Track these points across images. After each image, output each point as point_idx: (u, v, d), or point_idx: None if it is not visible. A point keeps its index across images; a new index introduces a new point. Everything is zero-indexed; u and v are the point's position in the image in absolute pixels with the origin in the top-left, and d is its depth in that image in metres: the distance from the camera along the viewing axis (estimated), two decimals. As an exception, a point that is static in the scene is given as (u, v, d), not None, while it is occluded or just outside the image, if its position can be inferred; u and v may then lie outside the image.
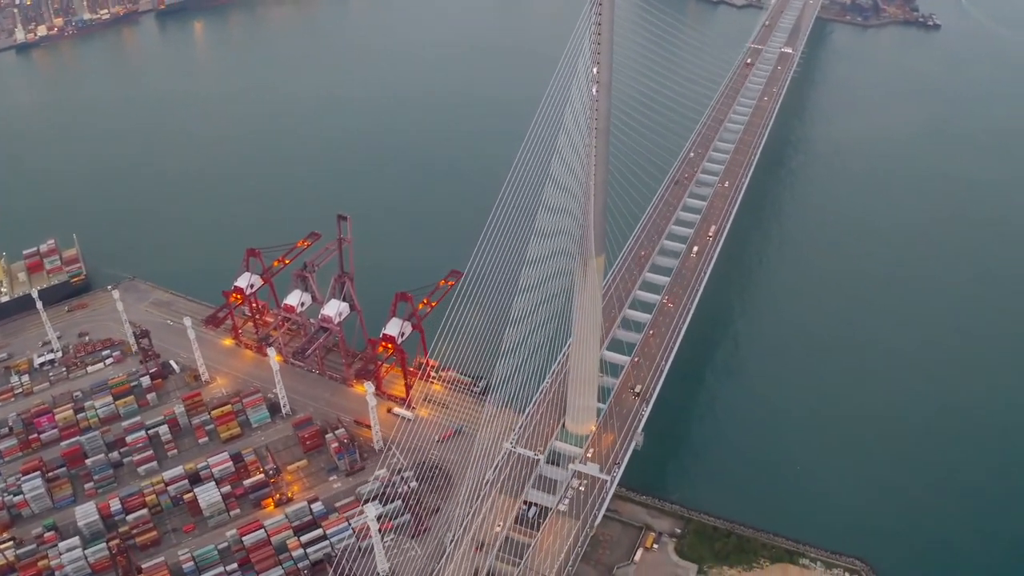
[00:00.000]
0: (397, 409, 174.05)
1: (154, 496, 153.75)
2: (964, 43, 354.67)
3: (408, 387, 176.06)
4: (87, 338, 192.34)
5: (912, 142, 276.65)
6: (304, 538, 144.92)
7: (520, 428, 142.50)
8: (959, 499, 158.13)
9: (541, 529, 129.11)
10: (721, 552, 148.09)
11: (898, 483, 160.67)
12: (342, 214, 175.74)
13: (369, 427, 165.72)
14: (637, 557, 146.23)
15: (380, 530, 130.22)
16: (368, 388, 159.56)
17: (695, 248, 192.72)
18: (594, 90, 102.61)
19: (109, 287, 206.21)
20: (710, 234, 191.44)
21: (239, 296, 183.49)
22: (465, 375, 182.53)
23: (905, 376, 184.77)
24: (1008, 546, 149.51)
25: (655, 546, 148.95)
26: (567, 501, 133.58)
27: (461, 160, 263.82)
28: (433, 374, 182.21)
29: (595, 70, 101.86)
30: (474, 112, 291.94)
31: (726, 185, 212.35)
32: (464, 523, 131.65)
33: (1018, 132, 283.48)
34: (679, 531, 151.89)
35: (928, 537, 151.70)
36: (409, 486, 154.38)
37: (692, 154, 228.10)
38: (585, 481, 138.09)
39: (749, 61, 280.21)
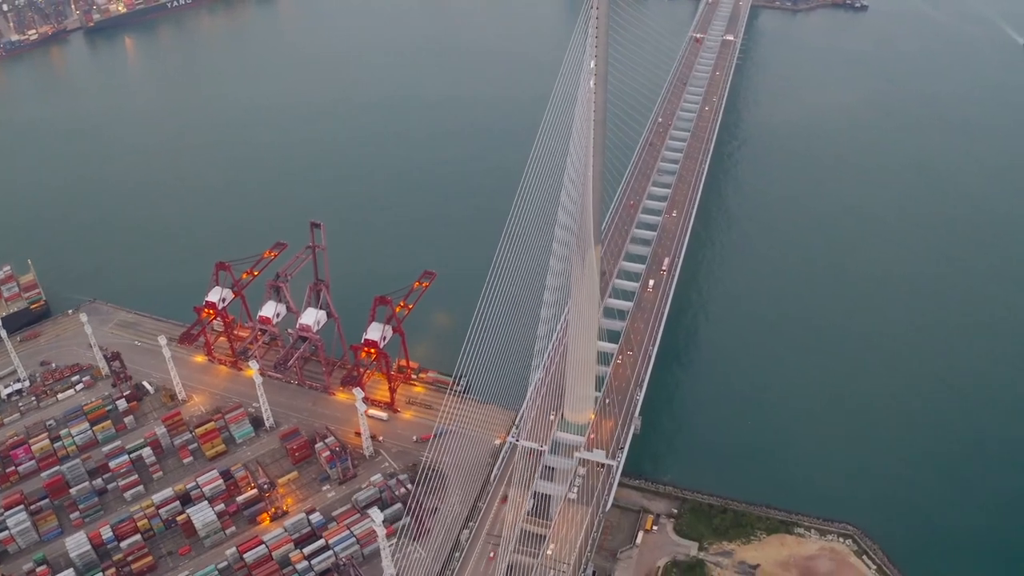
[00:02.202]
0: (372, 411, 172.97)
1: (146, 521, 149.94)
2: (891, 22, 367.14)
3: (392, 391, 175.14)
4: (54, 365, 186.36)
5: (851, 120, 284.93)
6: (307, 550, 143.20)
7: (520, 420, 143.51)
8: (939, 460, 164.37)
9: (555, 518, 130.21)
10: (719, 528, 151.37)
11: (880, 449, 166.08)
12: (315, 221, 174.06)
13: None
14: (639, 540, 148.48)
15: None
16: (357, 394, 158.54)
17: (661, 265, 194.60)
18: (591, 83, 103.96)
19: (71, 311, 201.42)
20: (663, 267, 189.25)
21: (211, 311, 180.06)
22: (447, 375, 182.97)
23: (879, 351, 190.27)
24: (987, 502, 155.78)
25: (655, 528, 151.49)
26: (576, 489, 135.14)
27: (419, 161, 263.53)
28: (414, 376, 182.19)
29: (592, 63, 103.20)
30: (424, 113, 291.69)
31: (673, 215, 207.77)
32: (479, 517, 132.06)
33: (947, 102, 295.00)
34: (675, 511, 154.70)
35: (914, 498, 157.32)
36: (406, 488, 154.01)
37: (661, 120, 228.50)
38: (584, 469, 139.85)
39: (700, 36, 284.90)
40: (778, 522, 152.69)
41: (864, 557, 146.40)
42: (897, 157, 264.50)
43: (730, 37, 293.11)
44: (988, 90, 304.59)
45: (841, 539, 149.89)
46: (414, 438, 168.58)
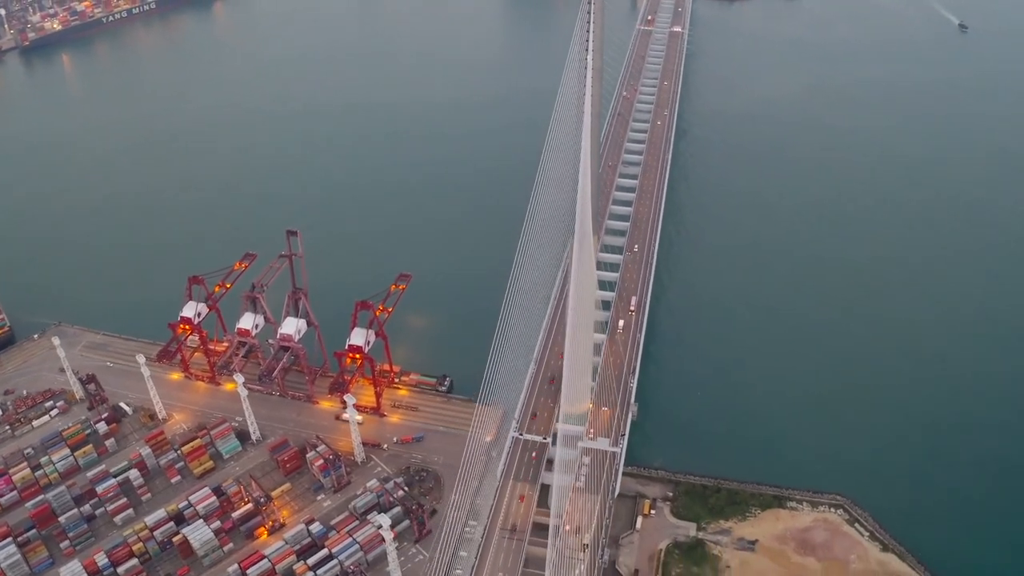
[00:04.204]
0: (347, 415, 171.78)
1: (140, 544, 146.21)
2: (827, 7, 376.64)
3: (379, 395, 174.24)
4: (25, 392, 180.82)
5: (798, 108, 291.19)
6: (311, 560, 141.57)
7: (519, 415, 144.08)
8: (919, 429, 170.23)
9: (566, 509, 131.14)
10: (715, 507, 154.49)
11: (862, 422, 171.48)
12: (291, 229, 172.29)
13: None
14: (638, 524, 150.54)
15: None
16: (348, 401, 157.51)
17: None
18: (589, 78, 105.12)
19: (36, 335, 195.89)
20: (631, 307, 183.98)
21: (187, 327, 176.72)
22: (429, 376, 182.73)
23: (856, 331, 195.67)
24: (968, 465, 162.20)
25: (652, 512, 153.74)
26: (583, 478, 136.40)
27: (380, 165, 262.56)
28: (397, 379, 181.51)
29: (589, 58, 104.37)
30: (377, 117, 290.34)
31: (635, 250, 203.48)
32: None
33: (889, 85, 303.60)
34: (671, 494, 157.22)
35: (898, 466, 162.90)
36: (404, 491, 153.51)
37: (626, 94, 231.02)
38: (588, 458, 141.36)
39: (651, 18, 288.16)
40: (771, 497, 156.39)
41: (856, 525, 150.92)
42: (845, 141, 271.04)
43: (678, 29, 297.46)
44: (928, 70, 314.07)
45: (832, 509, 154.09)
46: (394, 439, 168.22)
